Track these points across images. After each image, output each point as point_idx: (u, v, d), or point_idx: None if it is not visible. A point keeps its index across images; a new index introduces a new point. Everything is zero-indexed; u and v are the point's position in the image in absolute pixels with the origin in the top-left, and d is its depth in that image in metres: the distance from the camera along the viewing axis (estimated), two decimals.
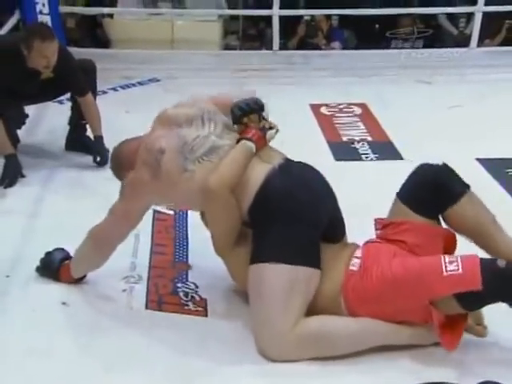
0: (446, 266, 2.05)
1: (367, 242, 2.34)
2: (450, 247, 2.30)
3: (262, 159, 2.27)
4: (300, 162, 2.37)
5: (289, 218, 2.17)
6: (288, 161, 2.33)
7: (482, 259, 2.06)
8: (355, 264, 2.20)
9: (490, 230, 2.25)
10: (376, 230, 2.56)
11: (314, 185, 2.31)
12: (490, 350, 2.20)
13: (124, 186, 2.35)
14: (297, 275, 2.13)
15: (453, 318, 2.13)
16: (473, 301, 2.06)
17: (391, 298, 2.12)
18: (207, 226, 2.37)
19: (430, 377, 2.07)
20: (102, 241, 2.38)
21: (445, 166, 2.31)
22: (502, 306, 2.10)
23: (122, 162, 2.42)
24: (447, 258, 2.08)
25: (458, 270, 2.03)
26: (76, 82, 3.47)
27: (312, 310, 2.17)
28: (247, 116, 2.30)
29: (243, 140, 2.25)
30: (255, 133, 2.27)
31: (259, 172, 2.23)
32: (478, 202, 2.28)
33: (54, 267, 2.52)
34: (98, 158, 3.52)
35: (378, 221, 2.32)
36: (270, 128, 2.31)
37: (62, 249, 2.57)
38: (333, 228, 2.31)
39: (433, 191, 2.24)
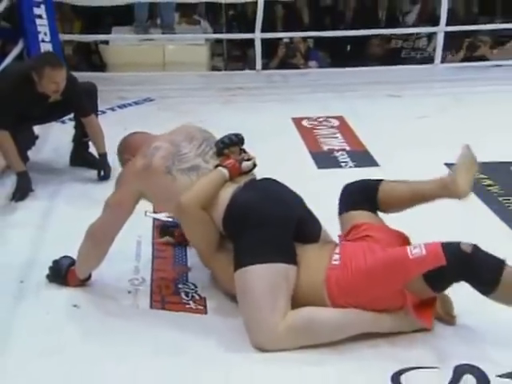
0: (410, 251, 2.11)
1: (342, 241, 2.37)
2: (404, 241, 2.34)
3: (232, 182, 2.37)
4: (265, 178, 2.47)
5: (257, 223, 2.23)
6: (254, 179, 2.44)
7: (443, 242, 2.10)
8: (336, 259, 2.22)
9: (412, 188, 2.42)
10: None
11: (277, 191, 2.40)
12: (465, 335, 2.22)
13: (120, 175, 2.48)
14: (275, 272, 2.16)
15: (425, 301, 2.16)
16: (439, 280, 2.10)
17: (368, 287, 2.14)
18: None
19: (409, 361, 2.09)
20: (100, 236, 2.43)
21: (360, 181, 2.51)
22: (476, 295, 2.13)
23: (125, 147, 2.57)
24: (412, 246, 2.15)
25: (422, 252, 2.09)
26: (81, 104, 3.49)
27: (299, 303, 2.19)
28: (228, 148, 2.43)
29: (219, 167, 2.37)
30: (231, 162, 2.38)
31: (227, 190, 2.33)
32: (391, 181, 2.47)
33: (61, 273, 2.52)
34: (102, 173, 3.52)
35: (340, 236, 2.43)
36: (248, 159, 2.43)
37: (69, 256, 2.56)
38: (307, 227, 2.35)
39: (360, 193, 2.44)
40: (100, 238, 2.43)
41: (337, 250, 2.27)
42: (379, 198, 2.42)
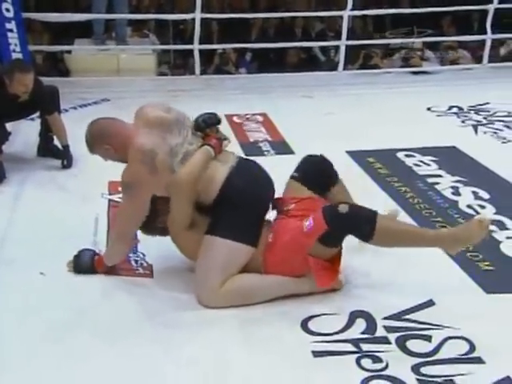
0: (304, 225, 2.10)
1: (276, 219, 2.28)
2: None
3: (220, 162, 2.21)
4: (248, 160, 2.35)
5: (244, 205, 2.14)
6: (240, 160, 2.28)
7: (324, 208, 2.09)
8: (271, 237, 2.19)
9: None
10: (274, 207, 2.44)
11: (261, 179, 2.29)
12: (358, 290, 2.25)
13: (126, 187, 2.16)
14: (237, 251, 2.12)
15: (331, 261, 2.17)
16: (329, 240, 2.11)
17: (286, 259, 2.14)
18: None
19: (314, 311, 2.11)
20: (127, 237, 2.25)
21: (324, 157, 2.39)
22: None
23: (101, 135, 2.21)
24: (306, 220, 2.12)
25: (310, 223, 2.09)
26: (46, 104, 3.36)
27: (242, 269, 2.16)
28: (209, 127, 2.25)
29: (205, 145, 2.19)
30: (215, 141, 2.22)
31: (220, 171, 2.17)
32: (344, 188, 2.41)
33: (88, 264, 2.33)
34: (65, 162, 3.41)
35: (277, 200, 2.34)
36: (225, 139, 2.28)
37: (86, 249, 2.39)
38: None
39: (320, 174, 2.33)
40: (127, 238, 2.25)
41: (272, 228, 2.22)
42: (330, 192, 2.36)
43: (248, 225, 2.15)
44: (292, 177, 2.37)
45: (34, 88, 3.20)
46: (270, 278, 2.17)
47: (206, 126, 2.24)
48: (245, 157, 2.35)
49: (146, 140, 2.13)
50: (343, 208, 2.07)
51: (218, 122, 2.29)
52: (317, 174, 2.34)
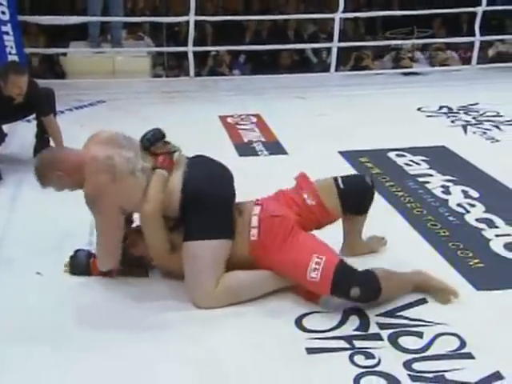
0: (309, 273, 2.03)
1: (267, 215, 2.18)
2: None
3: (173, 171, 2.16)
4: (198, 156, 2.26)
5: (209, 204, 2.11)
6: (190, 161, 2.22)
7: (335, 277, 2.01)
8: (254, 234, 2.14)
9: (355, 237, 2.40)
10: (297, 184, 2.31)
11: (216, 171, 2.24)
12: None
13: (91, 202, 2.07)
14: (219, 246, 2.11)
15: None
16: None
17: (277, 267, 2.12)
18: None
19: (307, 309, 2.11)
20: (111, 251, 2.16)
21: (373, 186, 2.35)
22: None
23: (55, 163, 2.11)
24: (314, 264, 2.03)
25: (317, 278, 2.03)
26: (41, 106, 3.33)
27: (231, 268, 2.15)
28: (154, 145, 2.17)
29: (157, 169, 2.12)
30: (164, 159, 2.14)
31: (175, 177, 2.14)
32: (365, 220, 2.36)
33: (83, 266, 2.30)
34: None
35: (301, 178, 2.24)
36: (174, 151, 2.19)
37: (81, 249, 2.36)
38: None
39: (360, 200, 2.28)
40: (110, 251, 2.17)
41: (254, 224, 2.15)
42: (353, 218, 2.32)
43: (219, 219, 2.11)
44: (337, 185, 2.26)
45: (29, 90, 3.19)
46: (259, 273, 2.14)
47: (151, 144, 2.17)
48: (193, 155, 2.26)
49: (99, 152, 2.08)
50: (355, 293, 2.00)
51: (163, 136, 2.21)
52: (359, 199, 2.28)
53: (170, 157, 2.17)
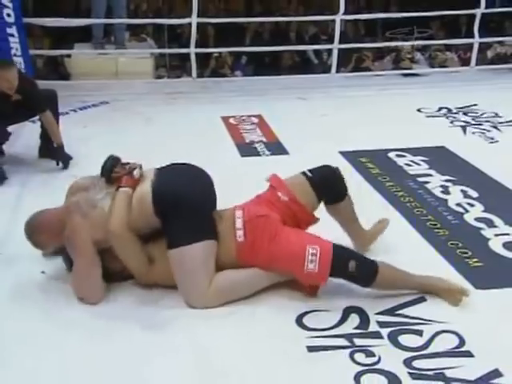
0: (307, 265, 2.04)
1: (252, 216, 2.16)
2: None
3: (139, 185, 2.17)
4: (168, 165, 2.26)
5: (183, 207, 2.09)
6: (158, 170, 2.23)
7: (334, 261, 2.03)
8: (240, 236, 2.13)
9: (353, 226, 2.39)
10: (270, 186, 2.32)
11: (187, 174, 2.23)
12: (350, 288, 2.22)
13: (69, 242, 2.13)
14: (206, 247, 2.09)
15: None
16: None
17: (269, 264, 2.11)
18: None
19: (307, 307, 2.11)
20: (93, 287, 2.15)
21: (339, 171, 2.34)
22: None
23: (41, 228, 2.21)
24: (310, 255, 2.04)
25: (315, 269, 2.04)
26: (38, 102, 3.32)
27: (221, 269, 2.13)
28: (112, 171, 2.21)
29: (120, 188, 2.16)
30: (126, 179, 2.18)
31: (143, 188, 2.16)
32: (351, 205, 2.35)
33: None
34: (61, 164, 3.39)
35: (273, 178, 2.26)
36: (134, 168, 2.20)
37: None
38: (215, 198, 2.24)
39: (332, 186, 2.29)
40: (95, 286, 2.16)
41: (238, 225, 2.12)
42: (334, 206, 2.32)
43: (200, 221, 2.10)
44: (306, 176, 2.28)
45: (26, 87, 3.19)
46: (249, 270, 2.12)
47: (109, 171, 2.21)
48: (163, 165, 2.28)
49: (71, 202, 2.19)
50: (352, 267, 2.04)
51: (117, 160, 2.24)
52: (329, 185, 2.29)
53: (131, 175, 2.19)
